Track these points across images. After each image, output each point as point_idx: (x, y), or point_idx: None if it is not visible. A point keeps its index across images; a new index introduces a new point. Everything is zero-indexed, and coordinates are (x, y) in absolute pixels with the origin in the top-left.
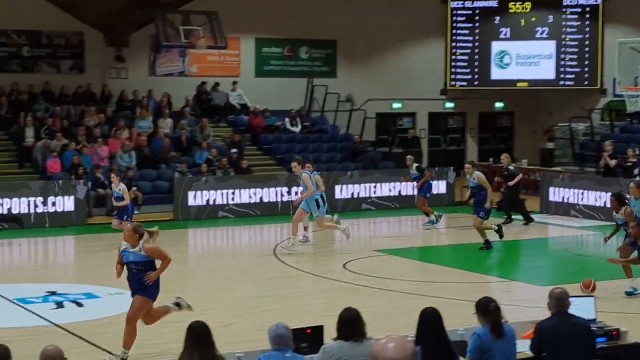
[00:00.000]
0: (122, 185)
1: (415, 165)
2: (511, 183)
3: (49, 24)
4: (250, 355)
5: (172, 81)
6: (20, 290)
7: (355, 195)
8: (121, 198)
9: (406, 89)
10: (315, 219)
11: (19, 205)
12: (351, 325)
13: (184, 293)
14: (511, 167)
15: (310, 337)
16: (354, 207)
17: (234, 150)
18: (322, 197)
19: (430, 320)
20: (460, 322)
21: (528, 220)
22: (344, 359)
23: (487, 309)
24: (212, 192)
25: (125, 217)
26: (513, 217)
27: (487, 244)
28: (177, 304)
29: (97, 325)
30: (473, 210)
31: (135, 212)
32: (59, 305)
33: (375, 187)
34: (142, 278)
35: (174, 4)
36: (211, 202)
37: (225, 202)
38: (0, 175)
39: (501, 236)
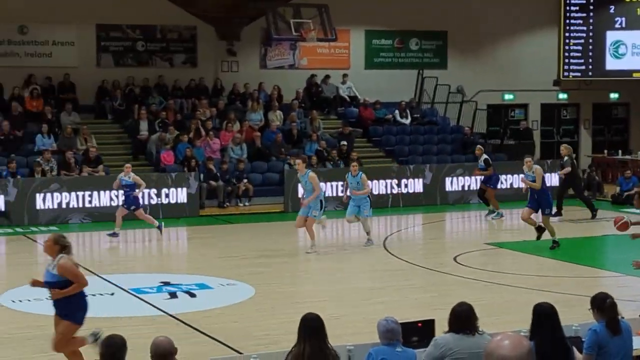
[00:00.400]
0: (132, 175)
1: (484, 157)
2: (560, 173)
3: (162, 18)
4: (360, 348)
5: (282, 74)
6: (135, 280)
7: (466, 188)
8: (133, 186)
9: (518, 80)
10: (315, 219)
11: None
12: (464, 319)
13: (295, 285)
14: (566, 159)
15: (421, 331)
16: (465, 200)
17: (343, 142)
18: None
19: (545, 315)
20: (576, 317)
21: (592, 212)
22: (454, 350)
23: (604, 305)
24: (322, 184)
25: (132, 206)
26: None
27: (555, 243)
28: (95, 336)
29: (209, 316)
30: (528, 204)
31: (246, 204)
32: (173, 295)
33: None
34: (63, 300)
35: None
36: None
37: (335, 194)
38: (116, 167)
39: (538, 237)
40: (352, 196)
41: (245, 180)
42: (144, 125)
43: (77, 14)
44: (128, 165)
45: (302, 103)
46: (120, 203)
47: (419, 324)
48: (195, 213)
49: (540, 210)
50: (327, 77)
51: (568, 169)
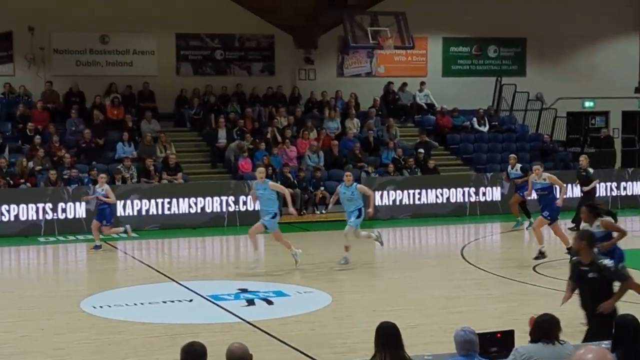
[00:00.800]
0: (107, 186)
1: (520, 165)
2: (586, 188)
3: (241, 27)
4: (438, 358)
5: (359, 82)
6: (213, 287)
7: None
8: (105, 197)
9: (598, 87)
10: (271, 232)
11: (211, 204)
12: (546, 329)
13: (373, 294)
14: (590, 170)
15: (500, 342)
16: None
17: (420, 150)
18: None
19: (627, 328)
20: None
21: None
22: (535, 359)
23: None
24: (398, 192)
25: (104, 221)
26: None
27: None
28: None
29: (286, 324)
30: (540, 212)
31: (323, 211)
32: (250, 302)
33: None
34: None
35: (362, 5)
36: (397, 202)
37: (411, 203)
38: (195, 175)
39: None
40: (347, 209)
41: (322, 188)
42: (222, 134)
43: (158, 23)
44: (103, 175)
45: (379, 111)
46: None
47: (498, 335)
48: None
49: (542, 212)
50: (404, 84)
51: (597, 181)
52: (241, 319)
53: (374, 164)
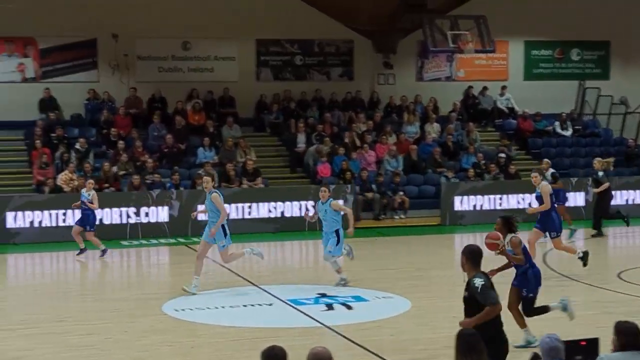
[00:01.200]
0: (93, 192)
1: (552, 171)
2: (596, 190)
3: (320, 32)
4: None
5: (439, 86)
6: (292, 291)
7: (630, 202)
8: (89, 202)
9: None
10: (221, 250)
11: (291, 209)
12: (631, 336)
13: (452, 299)
14: (600, 174)
15: (585, 350)
16: (633, 214)
17: (501, 154)
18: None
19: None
20: None
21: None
22: None
23: None
24: (479, 197)
25: (87, 226)
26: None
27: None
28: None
29: (365, 329)
30: (536, 224)
31: (402, 216)
32: (329, 307)
33: None
34: None
35: (442, 9)
36: (478, 207)
37: (493, 208)
38: (274, 180)
39: (585, 264)
40: (324, 229)
41: (401, 193)
42: (301, 138)
43: (238, 29)
44: (91, 180)
45: (459, 115)
46: (76, 220)
47: (583, 343)
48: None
49: (547, 234)
50: (485, 88)
51: (607, 185)
52: (321, 323)
53: (454, 169)
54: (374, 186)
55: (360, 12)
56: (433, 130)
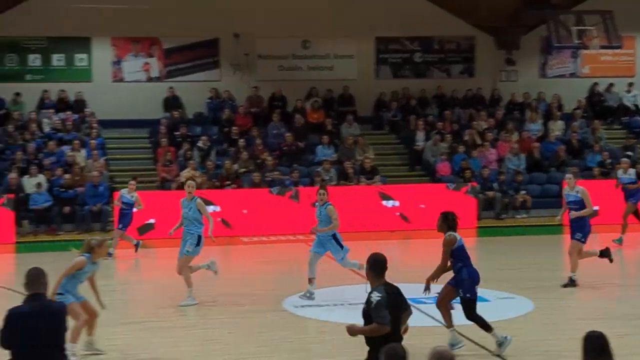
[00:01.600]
0: (135, 194)
1: (634, 169)
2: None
3: (440, 29)
4: None
5: (563, 83)
6: (412, 290)
7: None
8: (132, 205)
9: None
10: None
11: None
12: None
13: (576, 301)
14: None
15: None
16: None
17: (628, 152)
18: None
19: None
20: None
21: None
22: None
23: None
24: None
25: (121, 225)
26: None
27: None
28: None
29: None
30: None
31: (524, 216)
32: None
33: None
34: None
35: (566, 4)
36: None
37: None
38: (393, 177)
39: (610, 259)
40: (317, 233)
41: (523, 192)
42: (420, 136)
43: (357, 28)
44: (133, 182)
45: (584, 112)
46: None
47: None
48: (471, 225)
49: (571, 234)
50: (611, 85)
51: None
52: (440, 322)
53: (579, 168)
54: (495, 185)
55: (482, 9)
56: (557, 127)
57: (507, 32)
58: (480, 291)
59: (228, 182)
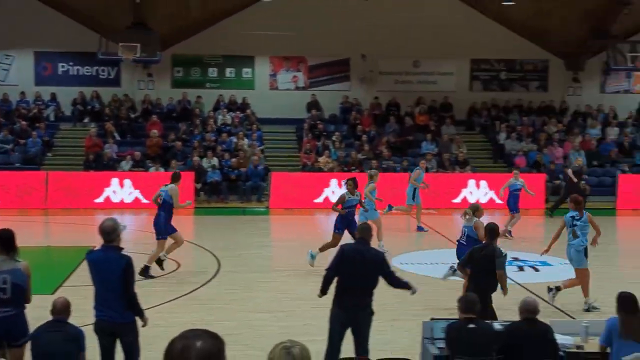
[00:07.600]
0: (173, 186)
1: None
2: None
3: (521, 53)
4: None
5: (618, 97)
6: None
7: None
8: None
9: None
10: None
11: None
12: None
13: (624, 268)
14: None
15: None
16: None
17: None
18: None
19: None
20: None
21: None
22: None
23: None
24: None
25: (157, 233)
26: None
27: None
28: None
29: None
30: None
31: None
32: (520, 268)
33: None
34: None
35: (623, 35)
36: None
37: None
38: (480, 168)
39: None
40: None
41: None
42: (502, 136)
43: (457, 51)
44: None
45: (635, 121)
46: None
47: None
48: (541, 205)
49: None
50: None
51: None
52: (514, 281)
53: (629, 165)
54: (560, 175)
55: (555, 37)
56: (613, 132)
57: (575, 56)
58: (547, 258)
59: (353, 167)
